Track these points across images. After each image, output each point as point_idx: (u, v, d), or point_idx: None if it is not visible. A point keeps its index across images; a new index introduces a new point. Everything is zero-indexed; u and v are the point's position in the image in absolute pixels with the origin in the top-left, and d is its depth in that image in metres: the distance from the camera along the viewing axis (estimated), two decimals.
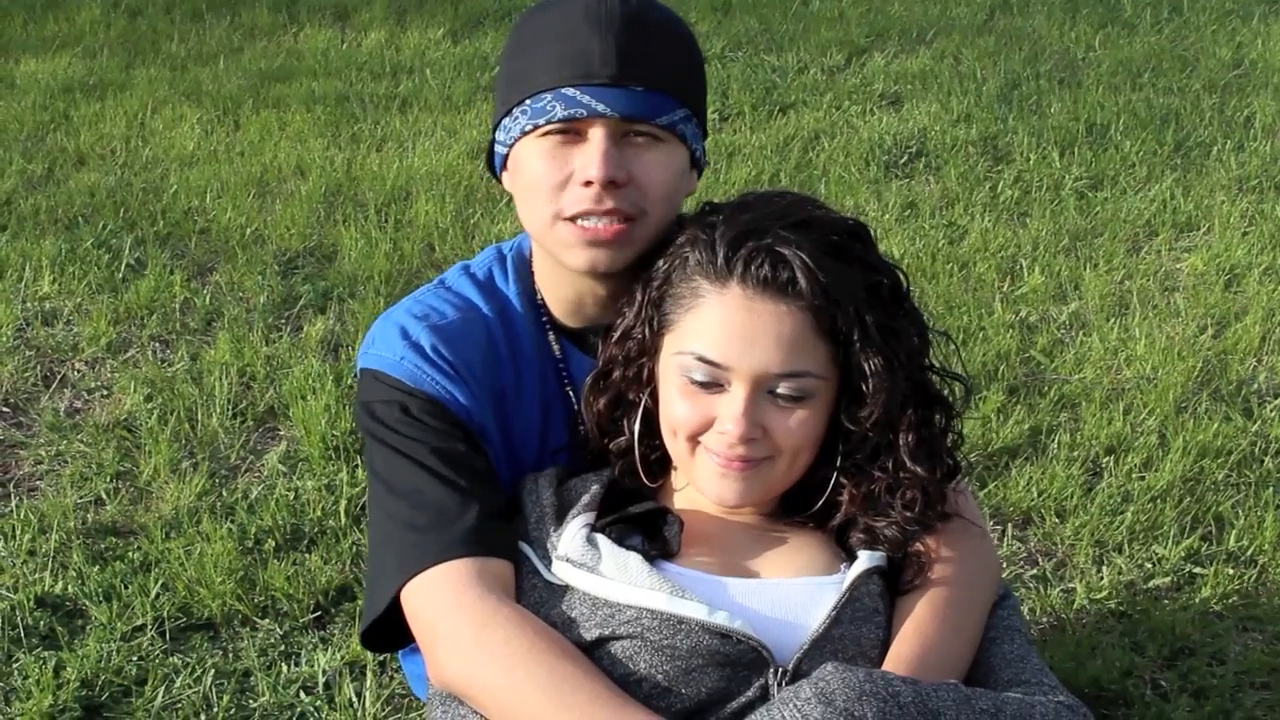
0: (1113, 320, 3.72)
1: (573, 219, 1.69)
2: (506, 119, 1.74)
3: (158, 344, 3.61)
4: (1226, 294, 3.88)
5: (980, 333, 3.61)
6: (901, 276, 1.71)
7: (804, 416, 1.66)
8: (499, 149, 1.79)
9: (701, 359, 1.64)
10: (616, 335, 1.76)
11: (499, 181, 1.84)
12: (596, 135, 1.67)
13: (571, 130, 1.68)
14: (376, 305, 3.63)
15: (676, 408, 1.69)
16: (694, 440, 1.69)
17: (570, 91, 1.66)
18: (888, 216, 4.37)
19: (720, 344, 1.63)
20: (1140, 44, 6.26)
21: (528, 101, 1.69)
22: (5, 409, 3.29)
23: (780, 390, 1.64)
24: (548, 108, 1.67)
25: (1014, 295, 3.87)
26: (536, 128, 1.69)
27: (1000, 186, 4.63)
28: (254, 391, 3.35)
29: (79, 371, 3.47)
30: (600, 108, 1.66)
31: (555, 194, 1.70)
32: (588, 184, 1.67)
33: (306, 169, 4.79)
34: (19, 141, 5.11)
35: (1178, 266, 4.09)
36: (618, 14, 1.68)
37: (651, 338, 1.72)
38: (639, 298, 1.73)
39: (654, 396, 1.75)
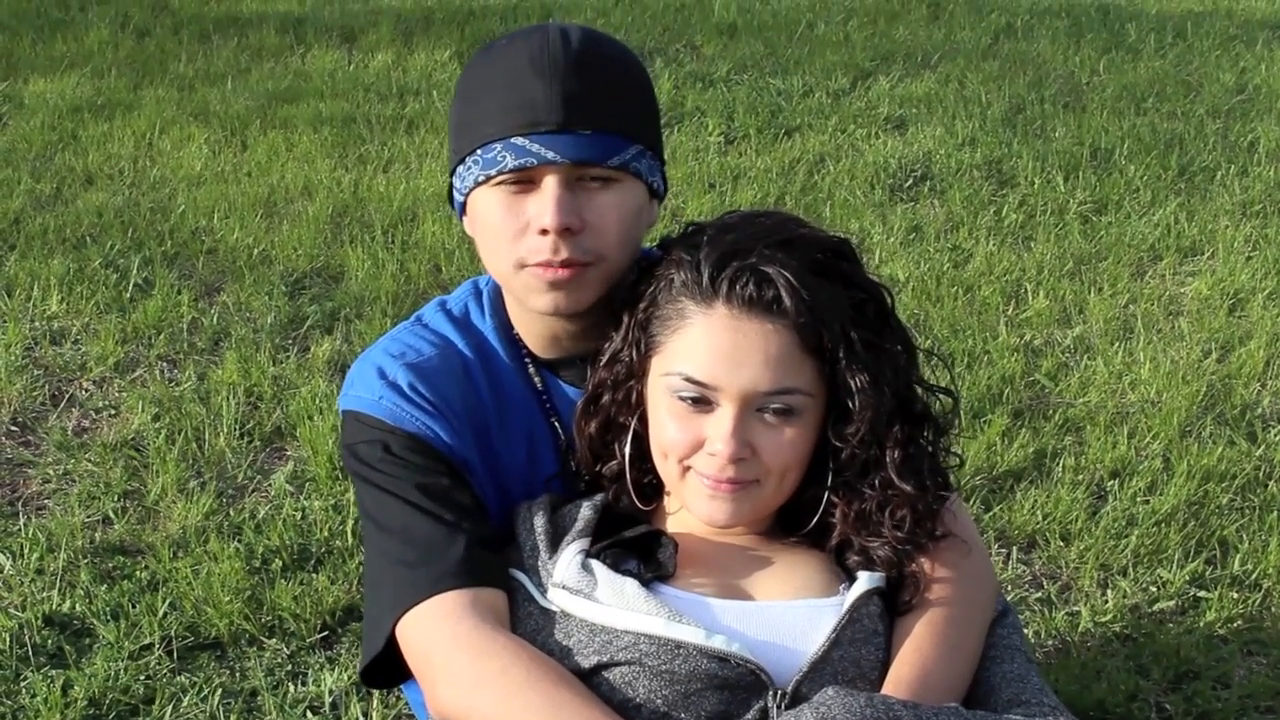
0: (1117, 344, 3.73)
1: (534, 265, 1.70)
2: (460, 167, 1.75)
3: (165, 364, 3.62)
4: (1231, 318, 3.89)
5: (985, 356, 3.62)
6: (886, 294, 1.72)
7: (792, 435, 1.66)
8: (456, 195, 1.80)
9: (689, 379, 1.65)
10: (605, 359, 1.76)
11: (460, 222, 1.85)
12: (549, 183, 1.68)
13: (524, 179, 1.69)
14: (383, 325, 3.64)
15: (666, 430, 1.69)
16: (684, 463, 1.69)
17: (519, 141, 1.67)
18: (892, 240, 4.39)
19: (707, 364, 1.64)
20: (1144, 69, 6.29)
21: (479, 151, 1.71)
22: (13, 428, 3.31)
23: (769, 409, 1.64)
24: (498, 158, 1.68)
25: (1018, 319, 3.89)
26: (489, 178, 1.70)
27: (1005, 210, 4.65)
28: (261, 411, 3.36)
29: (87, 391, 3.48)
30: (550, 155, 1.67)
31: (514, 243, 1.71)
32: (543, 232, 1.68)
33: (313, 190, 4.81)
34: (27, 161, 5.12)
35: (1182, 291, 4.11)
36: (561, 58, 1.68)
37: (639, 360, 1.72)
38: (626, 321, 1.73)
39: (643, 420, 1.75)
